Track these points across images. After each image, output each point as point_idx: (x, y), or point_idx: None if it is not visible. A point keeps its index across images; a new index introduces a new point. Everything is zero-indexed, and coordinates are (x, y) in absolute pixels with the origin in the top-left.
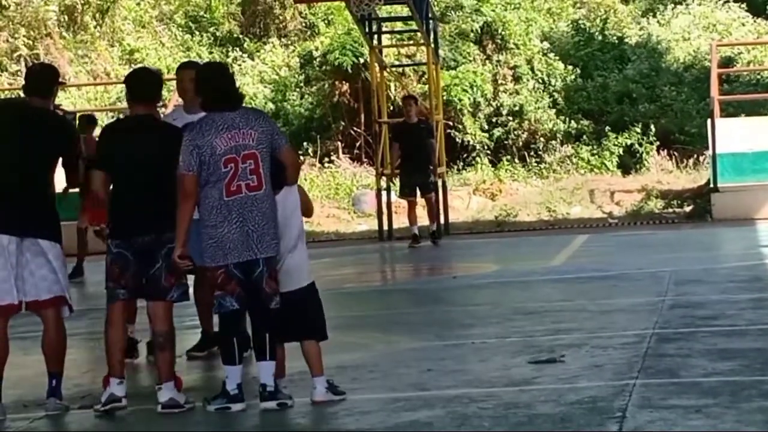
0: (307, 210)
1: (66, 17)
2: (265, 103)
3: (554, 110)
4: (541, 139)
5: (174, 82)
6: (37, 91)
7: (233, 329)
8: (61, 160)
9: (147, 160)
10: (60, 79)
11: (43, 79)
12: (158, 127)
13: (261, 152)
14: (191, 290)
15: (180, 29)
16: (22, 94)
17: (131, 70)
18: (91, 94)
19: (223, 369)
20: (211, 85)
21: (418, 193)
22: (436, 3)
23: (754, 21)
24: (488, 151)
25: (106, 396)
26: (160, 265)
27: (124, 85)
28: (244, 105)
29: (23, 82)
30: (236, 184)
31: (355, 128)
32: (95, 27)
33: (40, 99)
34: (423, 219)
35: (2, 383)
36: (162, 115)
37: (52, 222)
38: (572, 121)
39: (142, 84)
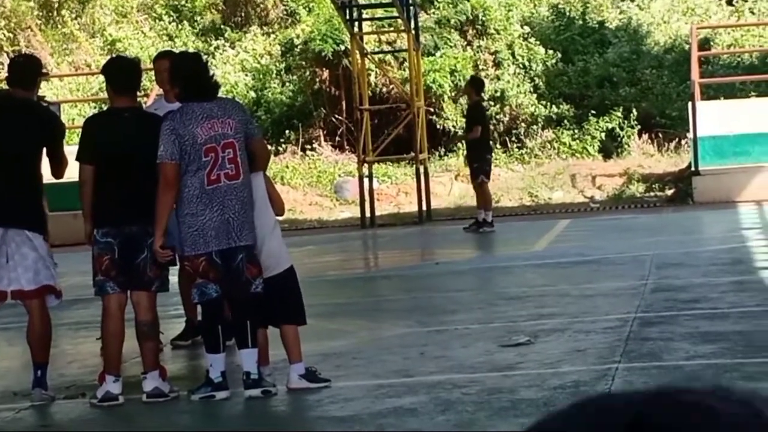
0: (277, 206)
1: (44, 11)
2: (247, 92)
3: (535, 95)
4: (523, 124)
5: (153, 72)
6: (20, 83)
7: (216, 317)
8: (45, 150)
9: (133, 151)
10: (43, 71)
11: (26, 70)
12: (142, 117)
13: (238, 141)
14: (175, 279)
15: (162, 19)
16: (4, 86)
17: (108, 60)
18: (73, 85)
19: (206, 358)
20: (186, 75)
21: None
22: None
23: (735, 2)
24: None
25: (102, 393)
26: (146, 256)
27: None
28: (219, 96)
29: (6, 74)
30: (216, 173)
31: (336, 116)
32: (74, 19)
33: (24, 90)
34: (408, 206)
35: None
36: (143, 105)
37: (37, 212)
38: (553, 106)
39: (122, 75)
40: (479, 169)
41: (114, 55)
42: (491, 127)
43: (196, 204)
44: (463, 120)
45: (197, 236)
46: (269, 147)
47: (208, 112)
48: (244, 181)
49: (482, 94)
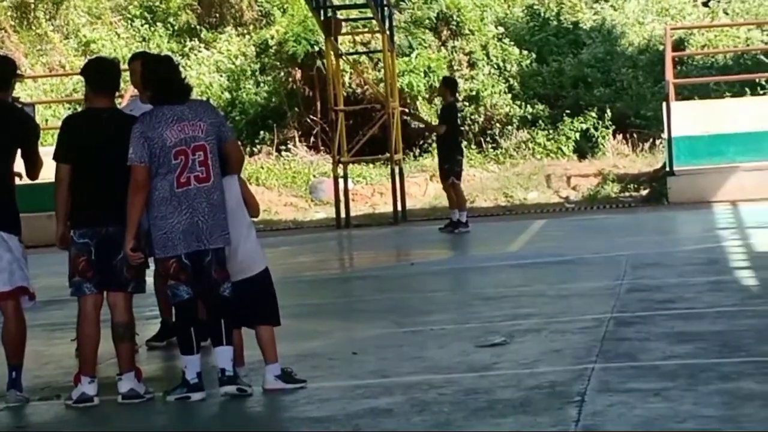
0: (252, 208)
1: (18, 12)
2: (221, 93)
3: (510, 95)
4: (497, 124)
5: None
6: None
7: (189, 318)
8: (20, 151)
9: (110, 151)
10: (17, 72)
11: (1, 71)
12: (119, 118)
13: (210, 144)
14: (150, 280)
15: (135, 20)
16: None
17: (88, 60)
18: (47, 86)
19: (181, 359)
20: (157, 78)
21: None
22: None
23: (706, 4)
24: None
25: (78, 394)
26: (122, 256)
27: (81, 77)
28: (196, 98)
29: None
30: (186, 176)
31: (311, 116)
32: (48, 20)
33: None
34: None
35: None
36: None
37: (11, 213)
38: (528, 106)
39: (102, 75)
40: (450, 171)
41: (93, 56)
42: (466, 128)
43: (166, 207)
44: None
45: (166, 239)
46: (244, 148)
47: (179, 115)
48: (215, 184)
49: (456, 95)
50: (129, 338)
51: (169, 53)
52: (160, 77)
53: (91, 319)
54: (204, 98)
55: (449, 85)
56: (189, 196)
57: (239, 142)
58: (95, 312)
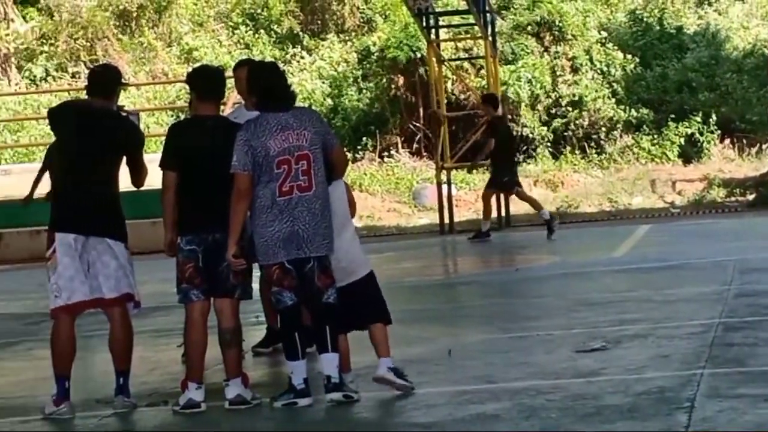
0: (351, 207)
1: (121, 21)
2: (324, 99)
3: (614, 100)
4: (602, 129)
5: (232, 80)
6: (100, 92)
7: (294, 324)
8: (125, 159)
9: (216, 158)
10: (122, 80)
11: (106, 79)
12: (224, 126)
13: (313, 153)
14: (257, 286)
15: (238, 28)
16: (84, 95)
17: (193, 68)
18: (150, 93)
19: (287, 365)
20: (262, 85)
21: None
22: None
23: None
24: (548, 143)
25: (185, 400)
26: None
27: (185, 84)
28: (299, 105)
29: (86, 83)
30: (289, 184)
31: (414, 122)
32: (151, 29)
33: (103, 99)
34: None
35: (70, 382)
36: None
37: (117, 220)
38: (632, 111)
39: (207, 83)
40: (511, 182)
41: (197, 64)
42: (569, 133)
43: (267, 215)
44: (542, 127)
45: (267, 247)
46: (348, 154)
47: (284, 123)
48: (317, 193)
49: (499, 108)
50: (236, 344)
51: (272, 60)
52: (264, 84)
53: (199, 325)
54: (307, 105)
55: (489, 101)
56: (291, 205)
57: None
58: (202, 318)
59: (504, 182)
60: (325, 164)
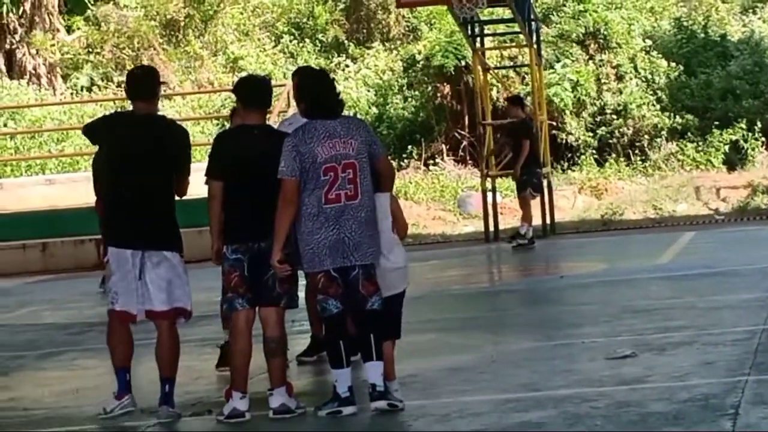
0: (401, 228)
1: (168, 31)
2: (369, 108)
3: (658, 107)
4: (646, 136)
5: (277, 89)
6: (142, 95)
7: (338, 332)
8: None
9: (262, 167)
10: (161, 80)
11: (147, 81)
12: (271, 134)
13: (360, 162)
14: (302, 295)
15: (283, 36)
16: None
17: (240, 78)
18: (195, 102)
19: (331, 373)
20: (311, 93)
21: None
22: (537, 4)
23: None
24: (593, 150)
25: (229, 410)
26: (274, 271)
27: (229, 93)
28: (344, 113)
29: (126, 88)
30: (335, 192)
31: (459, 130)
32: (197, 38)
33: (144, 103)
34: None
35: (130, 375)
36: (280, 121)
37: (173, 231)
38: (676, 118)
39: (254, 92)
40: (527, 182)
41: (243, 74)
42: (614, 140)
43: (313, 222)
44: (587, 134)
45: (312, 254)
46: (393, 163)
47: (331, 131)
48: (362, 202)
49: (526, 109)
50: (281, 353)
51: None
52: (312, 92)
53: (244, 334)
54: (352, 113)
55: (517, 102)
56: (336, 212)
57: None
58: (247, 327)
59: (522, 180)
60: (372, 174)
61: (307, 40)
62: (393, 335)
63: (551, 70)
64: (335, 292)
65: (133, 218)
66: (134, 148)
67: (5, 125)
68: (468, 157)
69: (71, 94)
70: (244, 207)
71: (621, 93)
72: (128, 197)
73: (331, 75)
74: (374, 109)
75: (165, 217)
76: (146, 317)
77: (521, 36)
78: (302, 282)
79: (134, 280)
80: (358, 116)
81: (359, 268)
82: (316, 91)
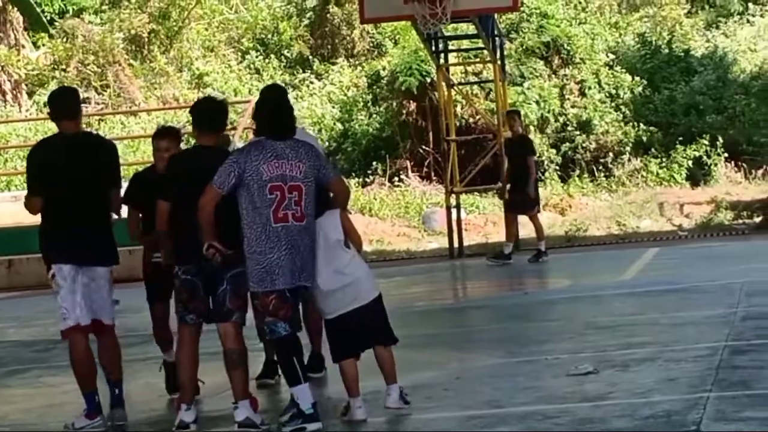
0: (355, 243)
1: (133, 46)
2: (334, 124)
3: (622, 123)
4: (610, 153)
5: (242, 105)
6: (66, 115)
7: (291, 351)
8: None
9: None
10: (81, 99)
11: (69, 101)
12: (220, 156)
13: (306, 185)
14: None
15: (248, 52)
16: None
17: (197, 100)
18: (161, 119)
19: (292, 392)
20: (264, 113)
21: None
22: (501, 20)
23: None
24: (557, 166)
25: (177, 422)
26: (225, 288)
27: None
28: (309, 130)
29: (49, 111)
30: (283, 212)
31: (423, 147)
32: (162, 53)
33: (71, 122)
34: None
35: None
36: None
37: (111, 246)
38: (640, 134)
39: (206, 115)
40: (534, 201)
41: (202, 96)
42: (578, 156)
43: (265, 242)
44: (551, 150)
45: (264, 273)
46: (357, 179)
47: (279, 152)
48: (308, 224)
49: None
50: (242, 364)
51: (281, 85)
52: (265, 112)
53: (186, 347)
54: (317, 130)
55: (517, 115)
56: (287, 232)
57: (345, 178)
58: (192, 341)
59: (523, 201)
60: (317, 198)
61: (273, 56)
62: (389, 341)
63: (518, 88)
64: (285, 314)
65: (74, 234)
66: (72, 167)
67: None
68: (433, 174)
69: (37, 111)
70: (193, 227)
71: (585, 108)
72: (68, 214)
73: (296, 91)
74: (339, 126)
75: (104, 232)
76: (90, 331)
77: (485, 52)
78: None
79: (80, 293)
80: (323, 132)
81: (302, 290)
82: (269, 111)
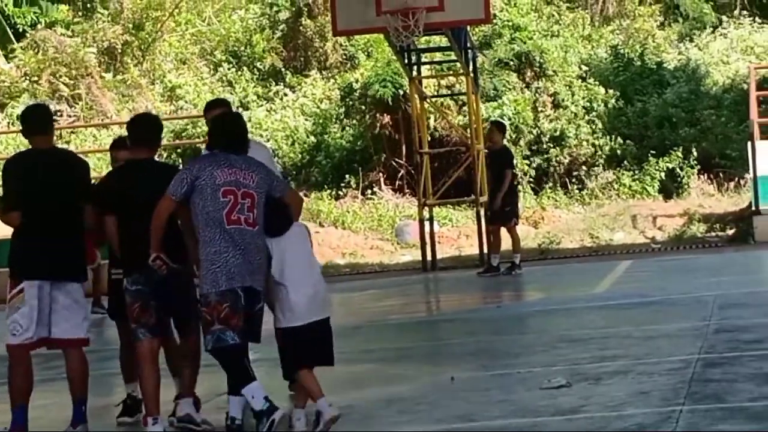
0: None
1: (106, 58)
2: (307, 136)
3: (595, 136)
4: (583, 166)
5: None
6: (39, 130)
7: (238, 357)
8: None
9: (150, 199)
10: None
11: (41, 117)
12: (162, 169)
13: (258, 195)
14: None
15: (221, 65)
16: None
17: (133, 116)
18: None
19: (245, 396)
20: (219, 129)
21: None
22: (474, 33)
23: None
24: (530, 179)
25: None
26: (180, 297)
27: (164, 124)
28: (283, 142)
29: (21, 127)
30: (236, 215)
31: (396, 159)
32: (135, 65)
33: (44, 137)
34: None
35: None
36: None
37: (81, 262)
38: (614, 146)
39: (138, 130)
40: (512, 213)
41: (137, 114)
42: (551, 169)
43: (219, 242)
44: (524, 162)
45: (219, 273)
46: (330, 192)
47: (232, 161)
48: (260, 232)
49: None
50: (194, 360)
51: (255, 97)
52: (220, 128)
53: (145, 363)
54: (290, 143)
55: (502, 128)
56: (240, 234)
57: (318, 191)
58: (151, 356)
59: (504, 211)
60: (279, 215)
61: (245, 69)
62: (332, 361)
63: (493, 103)
64: (236, 324)
65: (49, 249)
66: (48, 182)
67: None
68: (406, 186)
69: (8, 123)
70: (137, 238)
71: (557, 120)
72: (39, 230)
73: (269, 104)
74: (312, 138)
75: (75, 248)
76: (54, 346)
77: (458, 64)
78: None
79: (45, 310)
80: (296, 145)
81: (255, 298)
82: (225, 128)
